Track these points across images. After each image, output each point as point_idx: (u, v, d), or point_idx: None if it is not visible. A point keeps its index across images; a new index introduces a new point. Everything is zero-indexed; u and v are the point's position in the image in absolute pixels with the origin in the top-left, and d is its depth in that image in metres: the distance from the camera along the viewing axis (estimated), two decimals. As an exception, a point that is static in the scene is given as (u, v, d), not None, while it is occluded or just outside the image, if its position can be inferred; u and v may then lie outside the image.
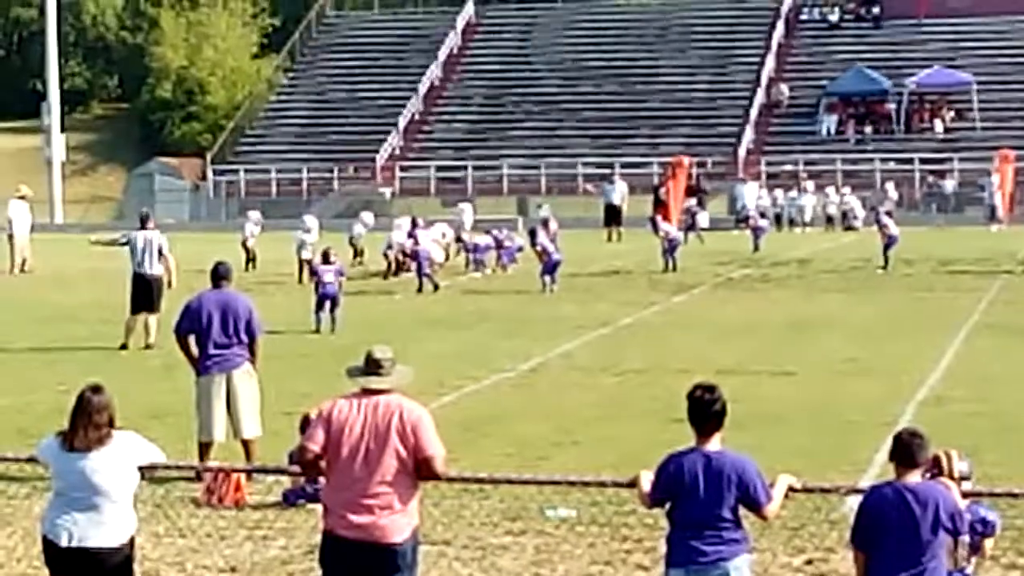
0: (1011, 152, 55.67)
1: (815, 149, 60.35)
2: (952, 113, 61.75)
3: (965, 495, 8.10)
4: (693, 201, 50.38)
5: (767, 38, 67.70)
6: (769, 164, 59.27)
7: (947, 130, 61.13)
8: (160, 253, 22.45)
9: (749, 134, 62.18)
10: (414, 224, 33.97)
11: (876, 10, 67.79)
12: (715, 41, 68.76)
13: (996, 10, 64.56)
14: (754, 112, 63.39)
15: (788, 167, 58.31)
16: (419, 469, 7.96)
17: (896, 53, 65.05)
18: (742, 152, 60.81)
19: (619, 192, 50.81)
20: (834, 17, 68.72)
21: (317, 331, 23.90)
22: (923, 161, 58.08)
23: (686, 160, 56.78)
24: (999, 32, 64.85)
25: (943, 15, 65.63)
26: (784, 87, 64.35)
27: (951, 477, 8.10)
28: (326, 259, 25.05)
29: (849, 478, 11.18)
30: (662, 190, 53.00)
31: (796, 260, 36.84)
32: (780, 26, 68.30)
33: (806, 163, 58.20)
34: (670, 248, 34.48)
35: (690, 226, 45.07)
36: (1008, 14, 64.67)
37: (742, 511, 7.76)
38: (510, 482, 10.00)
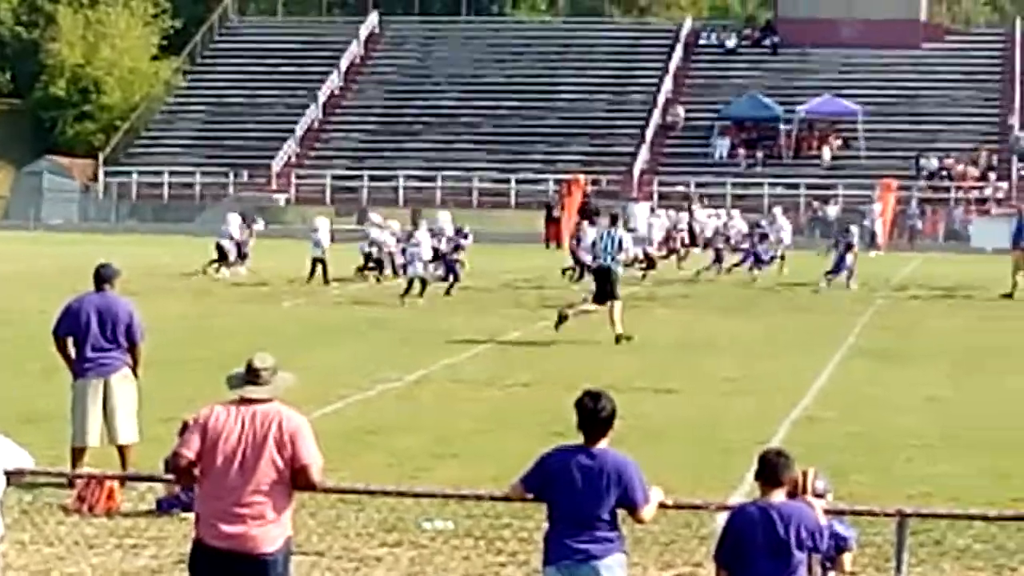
0: (893, 181, 56.79)
1: (707, 171, 61.03)
2: (839, 141, 62.77)
3: (827, 512, 8.29)
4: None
5: (665, 60, 68.37)
6: (662, 185, 59.82)
7: (834, 158, 62.12)
8: None
9: (644, 154, 62.74)
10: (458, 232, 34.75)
11: (773, 39, 68.65)
12: (614, 61, 69.29)
13: (884, 42, 65.76)
14: (650, 133, 63.98)
15: (680, 188, 58.91)
16: (295, 479, 7.98)
17: (789, 81, 66.00)
18: (636, 172, 61.34)
19: None
20: (731, 43, 69.54)
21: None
22: (810, 187, 58.96)
23: (581, 178, 57.22)
24: (886, 64, 66.05)
25: (834, 45, 66.67)
26: (680, 109, 65.01)
27: (810, 494, 8.29)
28: None
29: (721, 495, 11.38)
30: (555, 207, 53.39)
31: (682, 280, 37.25)
32: (679, 49, 69.01)
33: (698, 185, 58.82)
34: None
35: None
36: (894, 47, 65.90)
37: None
38: (386, 493, 10.05)
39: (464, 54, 70.56)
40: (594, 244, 25.82)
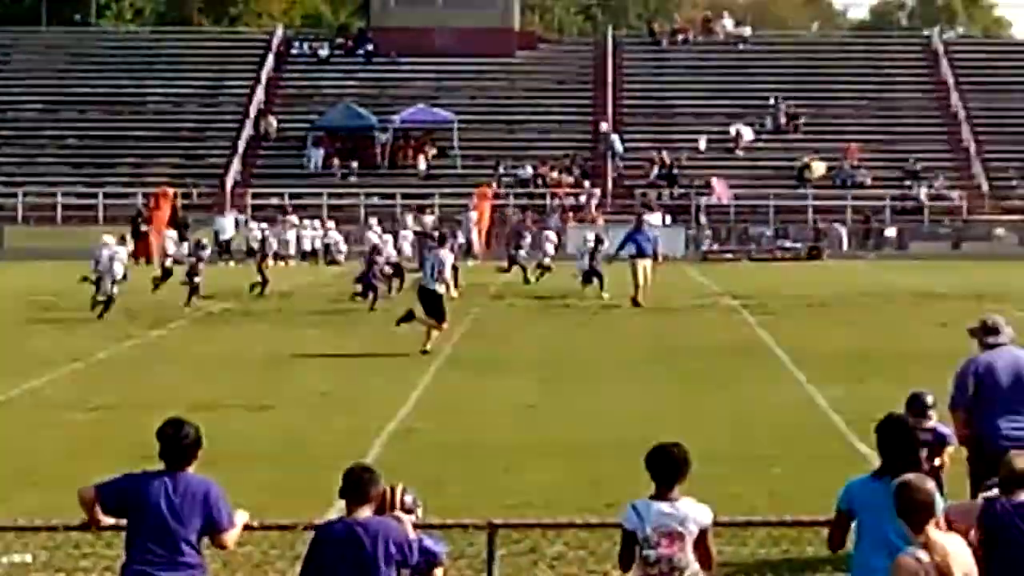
0: (489, 189, 57.74)
1: (302, 183, 60.71)
2: (434, 150, 63.45)
3: (416, 526, 8.27)
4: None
5: (257, 70, 67.73)
6: (256, 196, 59.18)
7: (429, 167, 62.77)
8: None
9: (236, 166, 61.99)
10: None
11: (367, 47, 68.86)
12: (204, 71, 68.24)
13: (477, 51, 66.90)
14: (242, 144, 63.24)
15: (275, 200, 58.40)
16: None
17: (384, 90, 66.35)
18: (229, 184, 60.57)
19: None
20: (324, 52, 69.42)
21: None
22: (406, 197, 59.37)
23: (170, 191, 56.07)
24: (480, 72, 67.23)
25: (428, 54, 67.41)
26: (273, 120, 64.48)
27: (398, 510, 8.23)
28: None
29: (317, 513, 11.11)
30: (143, 221, 52.20)
31: (278, 294, 36.79)
32: (270, 59, 68.47)
33: (292, 196, 58.44)
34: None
35: None
36: (488, 56, 67.13)
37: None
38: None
39: (45, 65, 68.14)
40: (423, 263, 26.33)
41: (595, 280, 35.80)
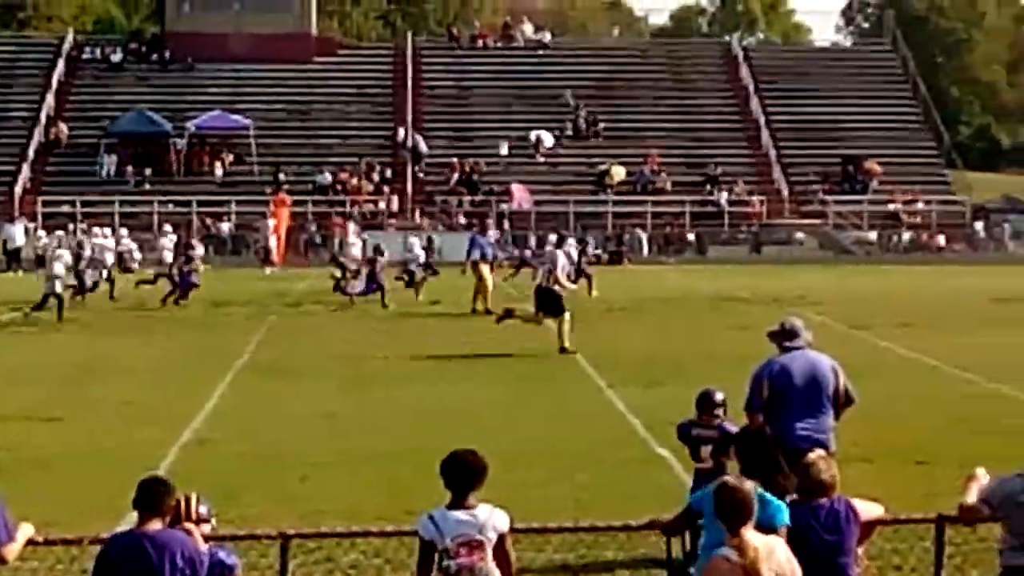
0: (287, 196, 57.09)
1: (94, 190, 59.35)
2: (232, 157, 62.58)
3: (208, 538, 8.03)
4: None
5: (47, 76, 66.06)
6: (46, 204, 57.70)
7: (226, 173, 61.88)
8: None
9: (26, 173, 60.42)
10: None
11: (162, 53, 67.62)
12: (-8, 76, 66.40)
13: (275, 57, 66.10)
14: (32, 151, 61.65)
15: (66, 208, 57.01)
16: None
17: (179, 96, 65.21)
18: (18, 191, 59.03)
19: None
20: (117, 57, 68.00)
21: None
22: (201, 204, 58.44)
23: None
24: (278, 78, 66.45)
25: (224, 59, 66.45)
26: (63, 126, 62.95)
27: (191, 521, 8.03)
28: None
29: (112, 525, 10.78)
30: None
31: (71, 302, 35.79)
32: (61, 64, 66.86)
33: (84, 204, 57.13)
34: None
35: None
36: (284, 62, 66.38)
37: None
38: None
39: None
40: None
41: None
